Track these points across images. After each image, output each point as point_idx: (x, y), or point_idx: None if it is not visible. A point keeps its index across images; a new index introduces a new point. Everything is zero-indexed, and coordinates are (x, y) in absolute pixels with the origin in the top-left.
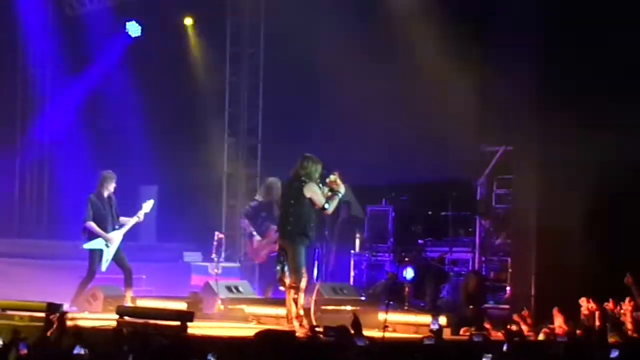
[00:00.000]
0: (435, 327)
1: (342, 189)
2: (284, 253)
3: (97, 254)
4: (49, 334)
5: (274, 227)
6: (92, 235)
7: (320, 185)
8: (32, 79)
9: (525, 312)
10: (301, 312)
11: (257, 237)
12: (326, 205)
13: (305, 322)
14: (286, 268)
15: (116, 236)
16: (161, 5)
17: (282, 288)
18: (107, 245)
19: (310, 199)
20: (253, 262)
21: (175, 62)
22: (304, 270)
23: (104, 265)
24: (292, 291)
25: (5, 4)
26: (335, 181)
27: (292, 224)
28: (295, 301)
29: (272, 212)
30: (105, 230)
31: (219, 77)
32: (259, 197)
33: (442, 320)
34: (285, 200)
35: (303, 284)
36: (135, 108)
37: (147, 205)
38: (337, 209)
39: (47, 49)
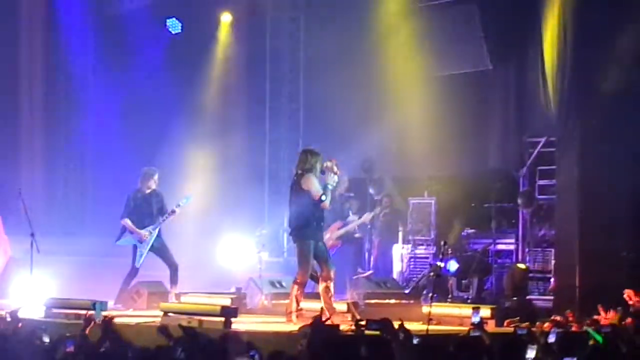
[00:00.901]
0: (476, 319)
1: (332, 179)
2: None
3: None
4: (87, 331)
5: (338, 222)
6: (125, 232)
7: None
8: (74, 78)
9: (569, 313)
10: (300, 307)
11: None
12: (323, 197)
13: (295, 317)
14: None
15: (150, 233)
16: (200, 2)
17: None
18: (140, 242)
19: (309, 191)
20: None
21: (214, 58)
22: (308, 264)
23: (138, 261)
24: (295, 286)
25: (45, 5)
26: (331, 167)
27: (295, 218)
28: (297, 296)
29: (337, 206)
30: (143, 226)
31: (259, 73)
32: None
33: (485, 312)
34: (289, 196)
35: (306, 277)
36: (176, 105)
37: (184, 200)
38: (380, 201)
39: (87, 48)
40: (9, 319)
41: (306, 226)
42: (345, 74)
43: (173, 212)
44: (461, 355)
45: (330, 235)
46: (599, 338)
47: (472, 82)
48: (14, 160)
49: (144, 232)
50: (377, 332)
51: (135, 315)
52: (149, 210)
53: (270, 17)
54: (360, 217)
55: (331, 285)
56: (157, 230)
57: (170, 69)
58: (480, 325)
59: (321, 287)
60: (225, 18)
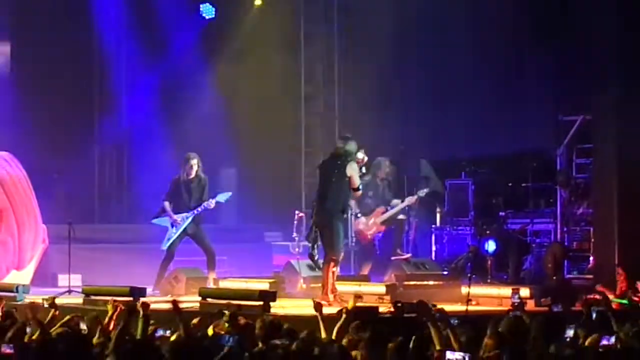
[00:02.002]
0: (516, 300)
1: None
2: (317, 229)
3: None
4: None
5: (382, 207)
6: (163, 213)
7: None
8: (108, 64)
9: (599, 287)
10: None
11: (363, 218)
12: (360, 186)
13: (337, 295)
14: (318, 244)
15: (183, 219)
16: None
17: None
18: (172, 225)
19: (350, 178)
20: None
21: (248, 42)
22: (342, 245)
23: (165, 243)
24: (332, 264)
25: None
26: (362, 159)
27: (332, 200)
28: (333, 274)
29: (378, 192)
30: (180, 211)
31: (293, 56)
32: (365, 177)
33: (524, 292)
34: (326, 177)
35: (340, 257)
36: (210, 90)
37: (223, 197)
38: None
39: (121, 34)
40: (46, 306)
41: (342, 210)
42: (380, 53)
43: (209, 205)
44: (500, 334)
45: (374, 220)
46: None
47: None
48: (49, 147)
49: (177, 217)
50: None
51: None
52: (187, 196)
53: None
54: (403, 201)
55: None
56: (189, 218)
57: (203, 54)
58: (520, 305)
59: (330, 266)
60: (259, 1)
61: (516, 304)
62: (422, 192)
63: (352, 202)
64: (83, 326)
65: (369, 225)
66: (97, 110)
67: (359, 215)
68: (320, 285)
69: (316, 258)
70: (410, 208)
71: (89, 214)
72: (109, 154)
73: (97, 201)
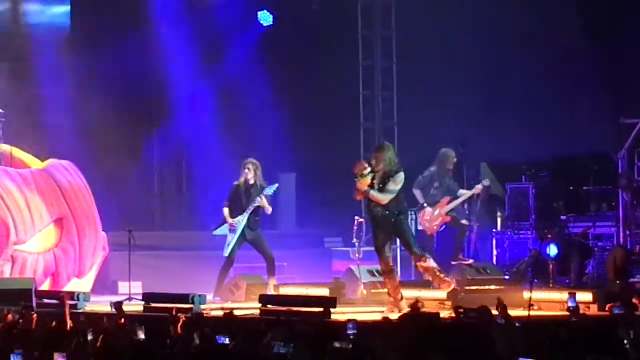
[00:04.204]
0: (572, 304)
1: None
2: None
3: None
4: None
5: (446, 198)
6: (222, 221)
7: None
8: (166, 72)
9: None
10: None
11: (429, 209)
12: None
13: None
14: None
15: (239, 222)
16: None
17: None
18: (230, 230)
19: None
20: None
21: (307, 48)
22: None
23: (226, 249)
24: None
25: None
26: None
27: (395, 205)
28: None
29: (444, 183)
30: (236, 215)
31: (351, 62)
32: (432, 168)
33: (587, 296)
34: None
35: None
36: (269, 97)
37: (270, 189)
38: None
39: (180, 41)
40: (113, 310)
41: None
42: (437, 56)
43: (258, 200)
44: (561, 339)
45: (439, 211)
46: None
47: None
48: (110, 155)
49: (232, 220)
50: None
51: (234, 307)
52: (246, 201)
53: (361, 4)
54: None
55: None
56: (245, 220)
57: (261, 60)
58: (575, 309)
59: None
60: (317, 7)
61: (571, 308)
62: (487, 182)
63: (418, 193)
64: (141, 335)
65: (434, 215)
66: (157, 117)
67: (425, 205)
68: (383, 290)
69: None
70: (471, 212)
71: (148, 222)
72: (168, 162)
73: (156, 209)
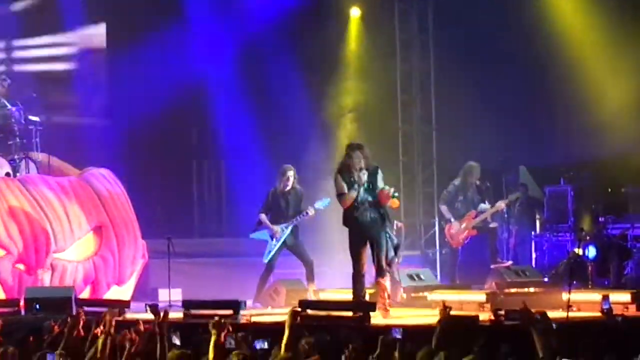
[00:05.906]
0: (606, 306)
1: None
2: None
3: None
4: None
5: (473, 211)
6: (260, 226)
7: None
8: (205, 79)
9: None
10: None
11: (455, 222)
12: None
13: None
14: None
15: (282, 230)
16: None
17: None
18: (272, 237)
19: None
20: (434, 250)
21: (345, 53)
22: None
23: (266, 256)
24: None
25: (174, 10)
26: None
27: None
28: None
29: (467, 196)
30: (278, 223)
31: (390, 66)
32: (456, 181)
33: (626, 297)
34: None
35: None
36: (306, 102)
37: (321, 203)
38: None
39: (215, 50)
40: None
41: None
42: (475, 60)
43: (307, 213)
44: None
45: (466, 225)
46: None
47: None
48: (148, 163)
49: (276, 228)
50: (516, 322)
51: (275, 313)
52: (285, 208)
53: (398, 10)
54: (493, 206)
55: None
56: (289, 228)
57: (300, 66)
58: (609, 311)
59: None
60: (355, 13)
61: (606, 310)
62: (513, 196)
63: (444, 209)
64: (176, 341)
65: (461, 229)
66: (195, 125)
67: (451, 220)
68: (423, 294)
69: None
70: (510, 215)
71: (187, 229)
72: (207, 169)
73: (195, 216)
